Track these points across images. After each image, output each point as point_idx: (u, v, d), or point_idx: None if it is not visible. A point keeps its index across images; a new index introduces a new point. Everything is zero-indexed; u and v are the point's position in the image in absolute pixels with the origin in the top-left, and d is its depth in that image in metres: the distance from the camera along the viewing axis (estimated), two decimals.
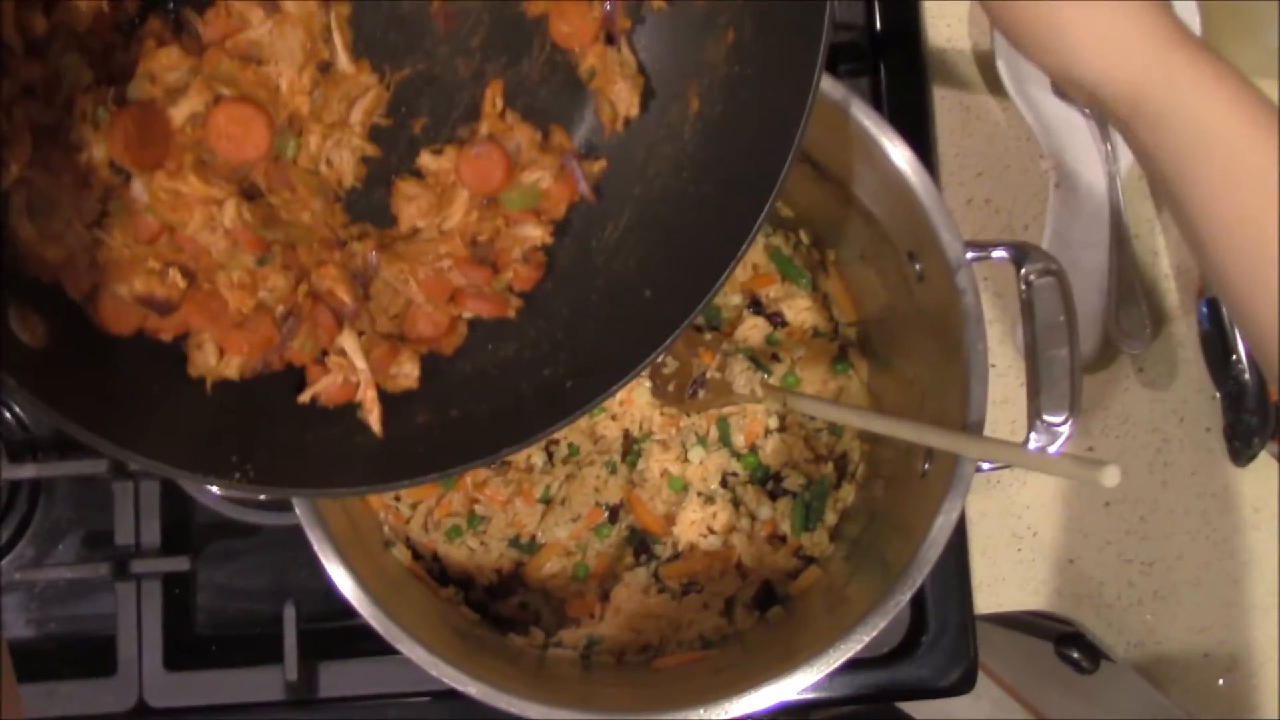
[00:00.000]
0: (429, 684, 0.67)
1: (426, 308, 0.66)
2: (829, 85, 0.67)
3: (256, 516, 0.84)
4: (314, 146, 0.63)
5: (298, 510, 0.68)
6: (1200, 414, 0.89)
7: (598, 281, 0.66)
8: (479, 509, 0.80)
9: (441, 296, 0.66)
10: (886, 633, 0.83)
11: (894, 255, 0.73)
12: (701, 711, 0.66)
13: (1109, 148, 0.87)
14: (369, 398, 0.63)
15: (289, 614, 0.80)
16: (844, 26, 0.90)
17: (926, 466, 0.71)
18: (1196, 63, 0.59)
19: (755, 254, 0.84)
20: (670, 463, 0.80)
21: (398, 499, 0.80)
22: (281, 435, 0.62)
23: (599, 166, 0.66)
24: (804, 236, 0.83)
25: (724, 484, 0.81)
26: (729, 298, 0.84)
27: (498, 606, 0.80)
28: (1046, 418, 0.67)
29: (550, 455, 0.82)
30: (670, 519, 0.80)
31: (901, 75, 0.89)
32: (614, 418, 0.81)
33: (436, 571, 0.80)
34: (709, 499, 0.80)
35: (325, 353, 0.64)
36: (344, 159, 0.64)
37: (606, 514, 0.80)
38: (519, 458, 0.81)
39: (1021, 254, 0.68)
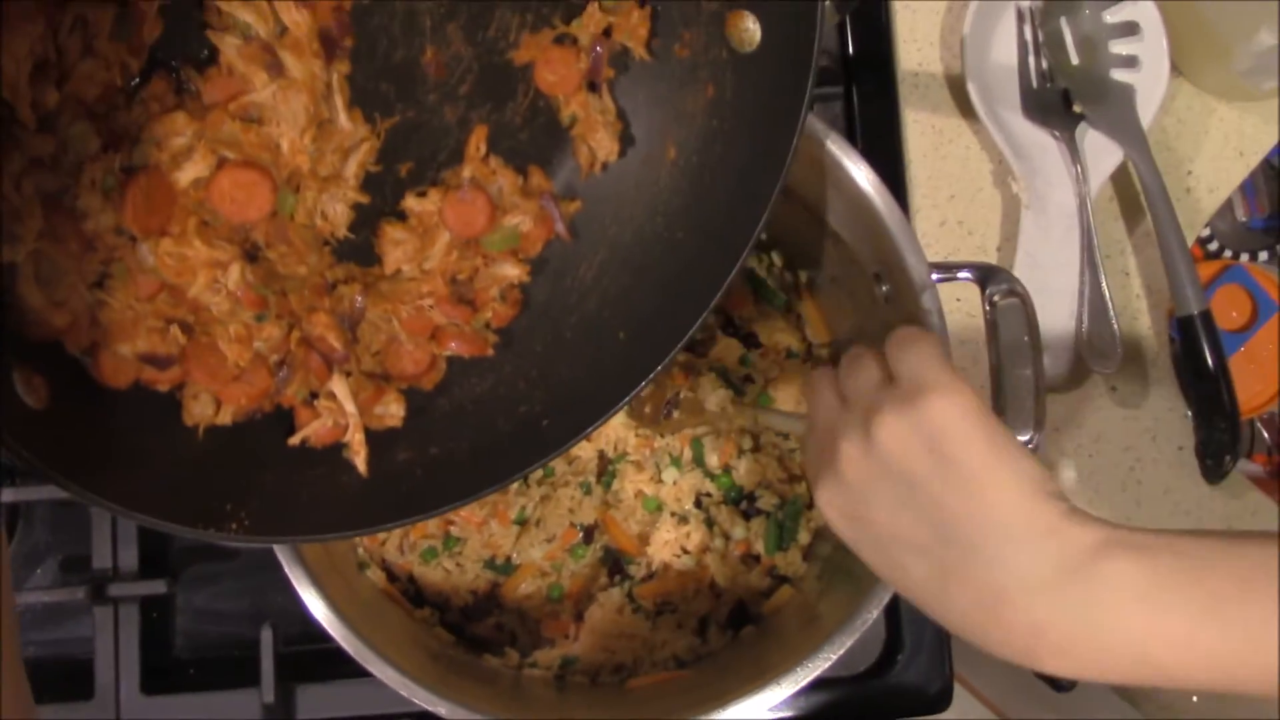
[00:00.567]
0: (406, 706, 0.67)
1: (409, 345, 0.66)
2: None
3: (234, 540, 0.84)
4: (310, 201, 0.64)
5: None
6: (1173, 432, 0.90)
7: (571, 319, 0.67)
8: (454, 530, 0.80)
9: (424, 334, 0.67)
10: (863, 650, 0.84)
11: (863, 277, 0.73)
12: None
13: (1079, 170, 0.88)
14: (357, 440, 0.64)
15: (266, 637, 0.80)
16: None
17: None
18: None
19: None
20: (644, 483, 0.81)
21: None
22: (271, 479, 0.63)
23: (574, 207, 0.68)
24: (777, 259, 0.84)
25: (698, 504, 0.82)
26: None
27: (473, 628, 0.81)
28: None
29: (525, 477, 0.82)
30: (644, 539, 0.81)
31: (873, 99, 0.90)
32: (589, 439, 0.82)
33: (412, 593, 0.81)
34: (683, 519, 0.81)
35: (314, 394, 0.64)
36: (338, 211, 0.65)
37: (581, 535, 0.81)
38: None
39: (986, 275, 0.68)
